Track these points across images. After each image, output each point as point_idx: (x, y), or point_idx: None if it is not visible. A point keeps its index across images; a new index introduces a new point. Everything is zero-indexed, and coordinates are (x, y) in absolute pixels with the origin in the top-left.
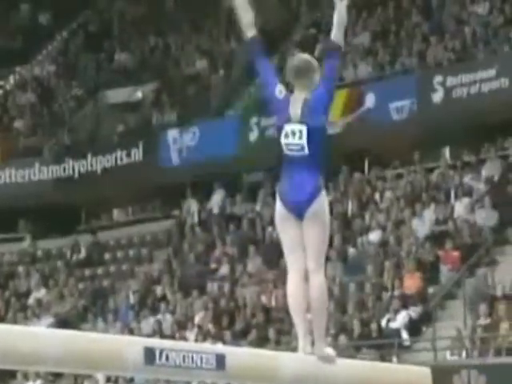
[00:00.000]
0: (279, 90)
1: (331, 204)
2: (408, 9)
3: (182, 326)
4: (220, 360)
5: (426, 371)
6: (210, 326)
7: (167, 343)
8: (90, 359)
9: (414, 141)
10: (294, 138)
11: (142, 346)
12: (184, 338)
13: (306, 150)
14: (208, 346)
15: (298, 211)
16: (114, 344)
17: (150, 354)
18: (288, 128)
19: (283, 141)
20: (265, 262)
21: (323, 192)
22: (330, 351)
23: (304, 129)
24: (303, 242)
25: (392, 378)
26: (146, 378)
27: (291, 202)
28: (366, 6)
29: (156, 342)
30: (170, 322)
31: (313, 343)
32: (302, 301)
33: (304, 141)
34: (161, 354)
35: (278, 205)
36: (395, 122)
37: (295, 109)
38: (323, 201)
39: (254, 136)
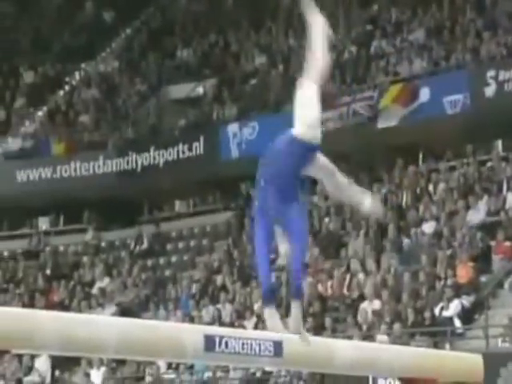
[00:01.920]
0: None
1: (386, 196)
2: (462, 6)
3: (240, 314)
4: (278, 347)
5: (478, 358)
6: None
7: (227, 331)
8: (151, 347)
9: (466, 134)
10: None
11: (203, 333)
12: (242, 327)
13: None
14: (266, 334)
15: None
16: (175, 332)
17: (210, 342)
18: None
19: None
20: (321, 252)
21: None
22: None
23: None
24: None
25: (444, 364)
26: (205, 365)
27: None
28: (421, 4)
29: (216, 330)
30: (229, 311)
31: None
32: None
33: None
34: (220, 341)
35: None
36: (449, 115)
37: None
38: None
39: None
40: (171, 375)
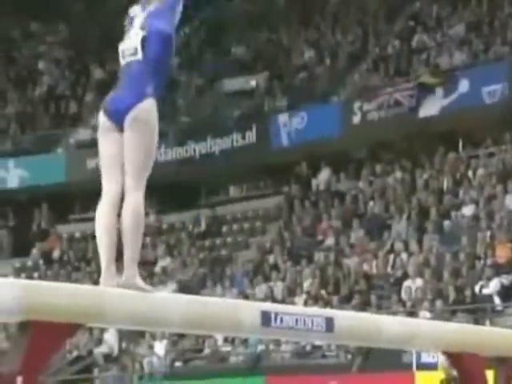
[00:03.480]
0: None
1: (427, 181)
2: (500, 1)
3: (291, 292)
4: (329, 323)
5: None
6: (318, 292)
7: (281, 307)
8: (211, 322)
9: (505, 122)
10: (131, 42)
11: (259, 309)
12: (293, 303)
13: (140, 55)
14: (318, 310)
15: (118, 118)
16: (233, 308)
17: (266, 317)
18: (127, 35)
19: (120, 48)
20: (367, 233)
21: (150, 100)
22: (141, 283)
23: (141, 33)
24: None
25: (485, 340)
26: (258, 339)
27: (112, 108)
28: (460, 0)
29: (271, 306)
30: (280, 288)
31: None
32: (112, 233)
33: (138, 44)
34: (276, 317)
35: (100, 115)
36: (487, 105)
37: (139, 18)
38: (147, 108)
39: (357, 119)
40: (227, 348)
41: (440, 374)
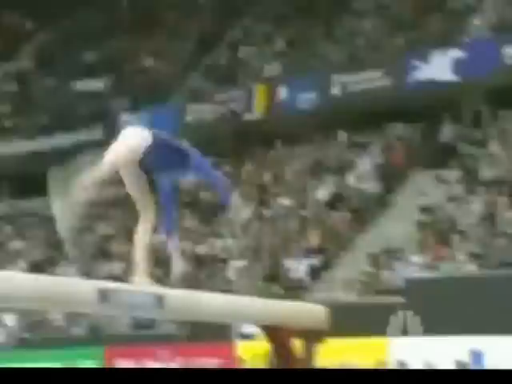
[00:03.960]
0: None
1: (249, 174)
2: (315, 22)
3: (130, 271)
4: (159, 300)
5: (323, 309)
6: (153, 272)
7: (117, 285)
8: (53, 298)
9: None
10: None
11: (97, 287)
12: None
13: None
14: (150, 288)
15: None
16: (73, 286)
17: (102, 295)
18: None
19: None
20: (199, 220)
21: None
22: None
23: None
24: None
25: (295, 314)
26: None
27: None
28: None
29: (108, 285)
30: (120, 268)
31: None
32: None
33: None
34: (111, 294)
35: None
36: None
37: None
38: None
39: (189, 118)
40: (70, 319)
41: (259, 344)
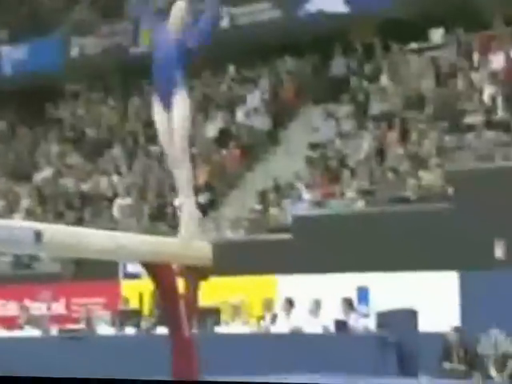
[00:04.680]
0: None
1: (138, 110)
2: None
3: (10, 209)
4: (38, 235)
5: (208, 246)
6: (35, 210)
7: None
8: None
9: None
10: None
11: None
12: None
13: None
14: (28, 223)
15: None
16: None
17: None
18: None
19: None
20: (84, 157)
21: None
22: None
23: None
24: None
25: (179, 251)
26: None
27: None
28: None
29: None
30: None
31: None
32: None
33: None
34: None
35: None
36: None
37: None
38: None
39: (74, 52)
40: None
41: (143, 283)
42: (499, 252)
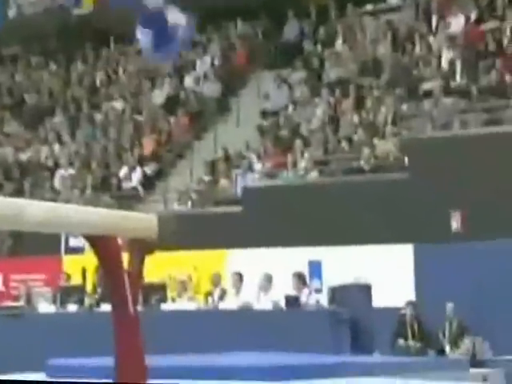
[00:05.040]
0: None
1: (81, 75)
2: None
3: None
4: None
5: (154, 218)
6: None
7: None
8: None
9: None
10: None
11: None
12: None
13: None
14: None
15: None
16: None
17: None
18: None
19: None
20: (23, 124)
21: None
22: None
23: None
24: None
25: (125, 223)
26: None
27: None
28: None
29: None
30: None
31: None
32: None
33: None
34: None
35: None
36: None
37: None
38: None
39: (12, 12)
40: None
41: (86, 257)
42: (456, 224)
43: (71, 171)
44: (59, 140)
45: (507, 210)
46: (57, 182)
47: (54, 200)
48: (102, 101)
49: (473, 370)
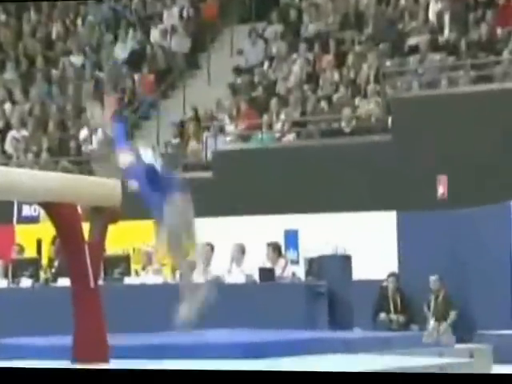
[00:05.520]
0: None
1: (35, 27)
2: None
3: None
4: None
5: (118, 183)
6: None
7: None
8: None
9: None
10: None
11: None
12: None
13: None
14: None
15: None
16: None
17: None
18: None
19: None
20: None
21: None
22: None
23: None
24: None
25: (85, 190)
26: None
27: None
28: None
29: None
30: None
31: None
32: None
33: None
34: None
35: None
36: None
37: None
38: None
39: None
40: None
41: (41, 227)
42: (441, 190)
43: (24, 133)
44: (10, 98)
45: (498, 172)
46: (8, 145)
47: (4, 165)
48: (59, 55)
49: (459, 346)
